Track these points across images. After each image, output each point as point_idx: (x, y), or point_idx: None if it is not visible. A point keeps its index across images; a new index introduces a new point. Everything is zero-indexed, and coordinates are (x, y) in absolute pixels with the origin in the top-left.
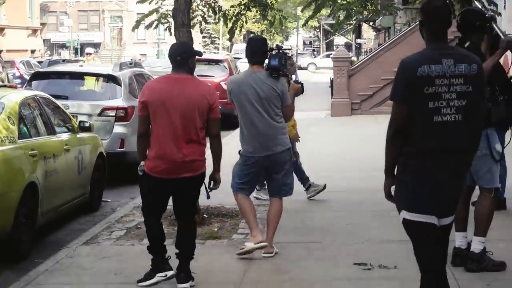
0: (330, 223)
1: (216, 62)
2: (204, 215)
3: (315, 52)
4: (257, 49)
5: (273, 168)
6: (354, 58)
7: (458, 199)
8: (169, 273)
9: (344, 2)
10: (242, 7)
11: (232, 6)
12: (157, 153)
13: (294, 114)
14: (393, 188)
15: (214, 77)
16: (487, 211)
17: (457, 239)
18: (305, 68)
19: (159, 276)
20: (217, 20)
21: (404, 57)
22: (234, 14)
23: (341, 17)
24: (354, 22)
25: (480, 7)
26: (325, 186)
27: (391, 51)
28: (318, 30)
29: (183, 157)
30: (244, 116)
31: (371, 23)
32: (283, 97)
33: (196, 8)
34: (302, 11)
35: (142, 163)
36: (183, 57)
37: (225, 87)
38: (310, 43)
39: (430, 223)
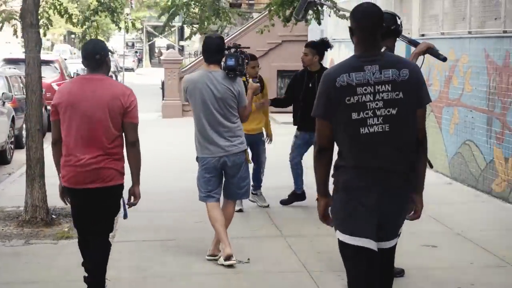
0: (180, 221)
1: (47, 62)
2: (53, 216)
3: (137, 54)
4: (213, 48)
5: (229, 170)
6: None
7: (398, 222)
8: None
9: (196, 11)
10: (91, 12)
11: (80, 11)
12: (66, 161)
13: (268, 112)
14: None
15: (45, 78)
16: None
17: None
18: (131, 70)
19: None
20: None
21: (327, 69)
22: (84, 18)
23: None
24: (178, 24)
25: None
26: (267, 206)
27: None
28: (141, 32)
29: (90, 164)
30: (199, 116)
31: (195, 26)
32: (239, 98)
33: (43, 11)
34: (159, 17)
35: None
36: (102, 55)
37: (56, 88)
38: (133, 44)
39: (365, 247)
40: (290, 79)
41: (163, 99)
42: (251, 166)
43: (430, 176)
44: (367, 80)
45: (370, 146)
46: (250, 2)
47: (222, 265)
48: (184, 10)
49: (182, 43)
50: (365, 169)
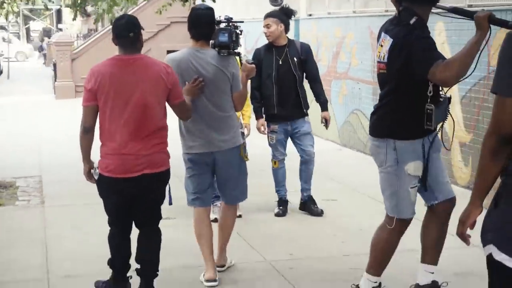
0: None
1: None
2: None
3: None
4: (202, 21)
5: (220, 169)
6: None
7: None
8: None
9: None
10: None
11: None
12: (110, 149)
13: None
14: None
15: None
16: (378, 244)
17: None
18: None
19: None
20: None
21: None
22: None
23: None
24: (55, 6)
25: None
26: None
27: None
28: (17, 16)
29: (139, 150)
30: None
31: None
32: (233, 81)
33: None
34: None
35: (95, 165)
36: (136, 32)
37: None
38: (2, 27)
39: None
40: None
41: (55, 81)
42: None
43: (322, 143)
44: None
45: None
46: None
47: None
48: None
49: (60, 25)
50: None
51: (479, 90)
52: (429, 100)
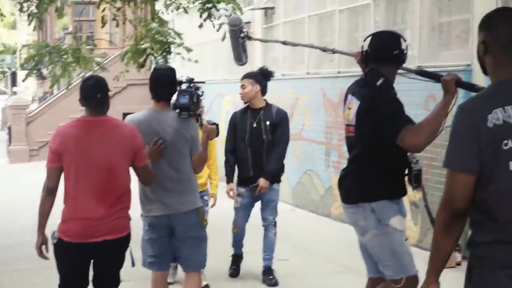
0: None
1: None
2: None
3: None
4: (163, 82)
5: (177, 232)
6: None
7: None
8: None
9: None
10: None
11: None
12: (72, 213)
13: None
14: None
15: None
16: None
17: None
18: None
19: None
20: None
21: (462, 103)
22: None
23: (58, 73)
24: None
25: None
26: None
27: (67, 98)
28: None
29: (103, 216)
30: None
31: (34, 72)
32: (193, 143)
33: None
34: (22, 67)
35: (55, 229)
36: (104, 94)
37: None
38: None
39: None
40: (228, 123)
41: (9, 145)
42: None
43: None
44: None
45: None
46: (92, 48)
47: None
48: (47, 57)
49: (15, 88)
50: None
51: (428, 149)
52: (413, 161)
